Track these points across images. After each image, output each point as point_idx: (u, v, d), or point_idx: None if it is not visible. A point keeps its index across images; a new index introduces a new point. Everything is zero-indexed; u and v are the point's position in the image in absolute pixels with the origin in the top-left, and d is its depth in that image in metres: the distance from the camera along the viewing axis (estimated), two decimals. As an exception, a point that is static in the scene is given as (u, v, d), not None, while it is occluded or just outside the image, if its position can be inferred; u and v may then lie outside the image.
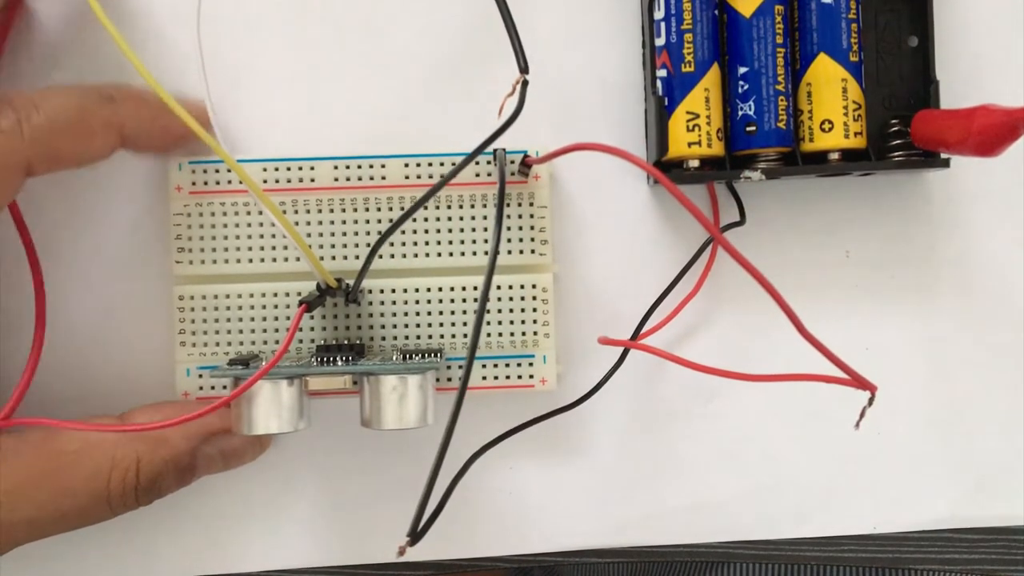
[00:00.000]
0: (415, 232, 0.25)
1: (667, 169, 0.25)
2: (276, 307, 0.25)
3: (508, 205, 0.25)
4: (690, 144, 0.24)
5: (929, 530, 0.27)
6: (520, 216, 0.25)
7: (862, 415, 0.21)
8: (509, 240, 0.25)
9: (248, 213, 0.25)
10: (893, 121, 0.25)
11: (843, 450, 0.27)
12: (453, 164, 0.25)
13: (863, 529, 0.27)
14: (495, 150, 0.24)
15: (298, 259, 0.25)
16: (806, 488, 0.27)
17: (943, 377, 0.27)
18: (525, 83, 0.23)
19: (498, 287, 0.25)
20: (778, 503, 0.27)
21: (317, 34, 0.26)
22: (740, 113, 0.25)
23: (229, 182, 0.25)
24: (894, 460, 0.27)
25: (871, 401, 0.20)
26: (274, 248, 0.25)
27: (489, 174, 0.25)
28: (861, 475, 0.27)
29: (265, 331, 0.25)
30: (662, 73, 0.25)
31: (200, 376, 0.25)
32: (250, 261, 0.25)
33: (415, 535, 0.21)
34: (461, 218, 0.25)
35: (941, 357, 0.27)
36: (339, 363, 0.23)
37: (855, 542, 0.27)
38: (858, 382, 0.20)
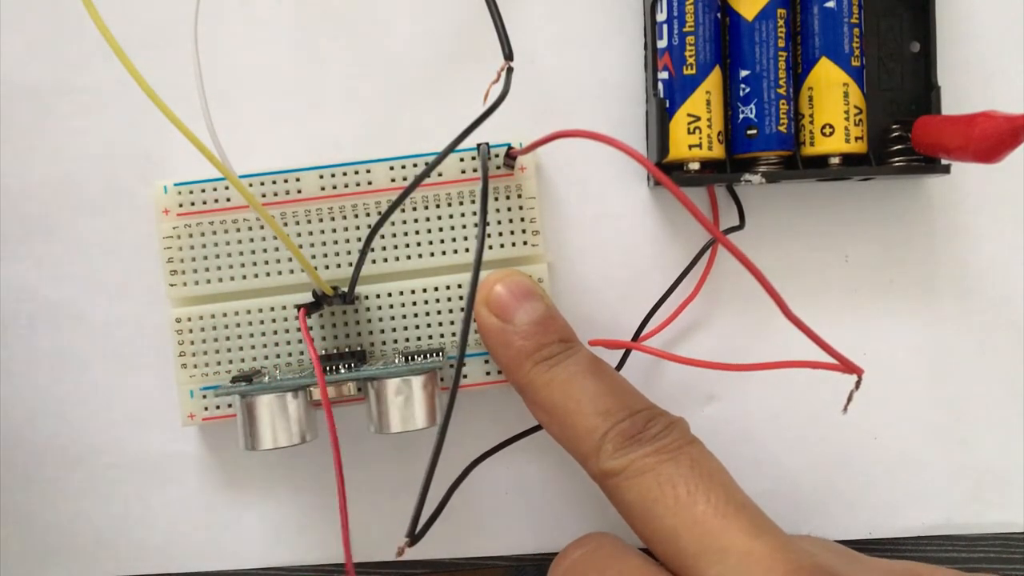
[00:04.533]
0: (406, 234, 0.25)
1: (667, 171, 0.25)
2: (274, 321, 0.25)
3: (496, 199, 0.25)
4: (691, 147, 0.24)
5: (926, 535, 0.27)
6: (509, 209, 0.25)
7: (849, 399, 0.21)
8: (500, 233, 0.25)
9: (238, 230, 0.25)
10: (894, 126, 0.25)
11: (840, 454, 0.27)
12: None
13: (859, 534, 0.27)
14: (478, 144, 0.25)
15: (291, 271, 0.25)
16: (803, 492, 0.27)
17: (942, 382, 0.27)
18: (510, 70, 0.23)
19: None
20: (774, 506, 0.26)
21: (299, 42, 0.26)
22: (741, 116, 0.25)
23: (216, 201, 0.25)
24: (891, 465, 0.27)
25: (858, 384, 0.20)
26: (267, 263, 0.25)
27: (475, 170, 0.25)
28: (858, 480, 0.27)
29: (265, 346, 0.25)
30: (663, 75, 0.25)
31: (204, 396, 0.25)
32: (243, 278, 0.25)
33: (414, 536, 0.21)
34: (451, 216, 0.25)
35: (940, 362, 0.27)
36: (342, 371, 0.24)
37: (854, 542, 0.27)
38: (845, 365, 0.20)
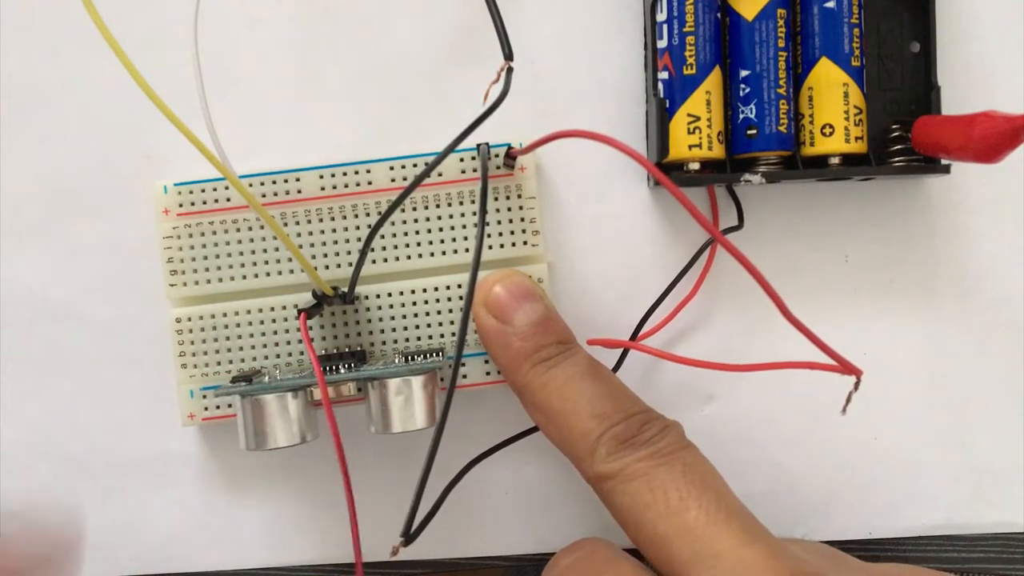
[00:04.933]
0: (406, 234, 0.25)
1: (667, 171, 0.25)
2: (274, 321, 0.25)
3: (496, 199, 0.25)
4: (691, 147, 0.24)
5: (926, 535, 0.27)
6: (509, 209, 0.25)
7: (848, 400, 0.21)
8: (500, 234, 0.25)
9: (238, 230, 0.25)
10: (894, 126, 0.25)
11: (840, 455, 0.27)
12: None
13: (860, 534, 0.27)
14: (478, 145, 0.25)
15: (292, 271, 0.25)
16: (803, 492, 0.27)
17: (942, 382, 0.27)
18: (510, 70, 0.23)
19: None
20: (774, 507, 0.27)
21: (299, 42, 0.26)
22: (741, 116, 0.25)
23: (216, 201, 0.25)
24: (891, 466, 0.27)
25: (857, 385, 0.20)
26: (267, 263, 0.25)
27: (475, 170, 0.25)
28: (858, 480, 0.27)
29: (265, 346, 0.25)
30: (663, 75, 0.25)
31: (204, 396, 0.25)
32: (243, 278, 0.25)
33: (409, 536, 0.21)
34: (451, 216, 0.25)
35: (939, 362, 0.27)
36: (342, 371, 0.24)
37: (854, 542, 0.27)
38: (844, 366, 0.20)
